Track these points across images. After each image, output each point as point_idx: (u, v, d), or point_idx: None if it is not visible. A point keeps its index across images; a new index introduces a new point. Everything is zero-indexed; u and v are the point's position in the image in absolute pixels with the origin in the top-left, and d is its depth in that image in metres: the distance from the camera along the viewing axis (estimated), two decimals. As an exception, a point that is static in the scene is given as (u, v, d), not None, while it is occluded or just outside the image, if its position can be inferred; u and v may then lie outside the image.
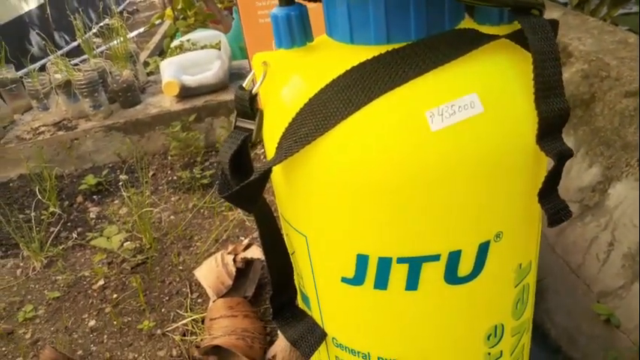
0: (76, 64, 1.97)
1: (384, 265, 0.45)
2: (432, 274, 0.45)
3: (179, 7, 2.80)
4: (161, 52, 2.93)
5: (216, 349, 0.95)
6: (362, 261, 0.45)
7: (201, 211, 1.47)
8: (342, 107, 0.40)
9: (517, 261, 0.48)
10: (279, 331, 0.95)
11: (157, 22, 3.11)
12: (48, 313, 1.21)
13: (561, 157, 0.40)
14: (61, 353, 1.00)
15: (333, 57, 0.44)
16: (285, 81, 0.46)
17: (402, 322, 0.49)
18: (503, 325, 0.51)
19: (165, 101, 1.87)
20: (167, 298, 1.17)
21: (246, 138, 0.46)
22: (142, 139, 1.82)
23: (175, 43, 2.23)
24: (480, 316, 0.49)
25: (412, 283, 0.45)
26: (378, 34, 0.42)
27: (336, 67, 0.42)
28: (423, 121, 0.39)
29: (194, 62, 1.87)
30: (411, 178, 0.40)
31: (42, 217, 1.55)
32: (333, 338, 0.56)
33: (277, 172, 0.47)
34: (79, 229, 1.50)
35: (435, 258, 0.44)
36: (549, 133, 0.40)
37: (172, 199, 1.56)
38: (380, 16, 0.41)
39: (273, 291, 0.54)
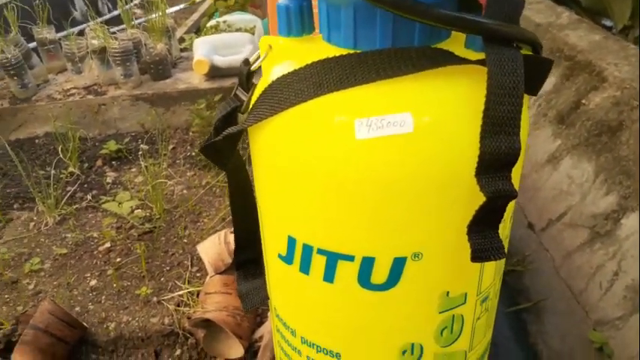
0: (114, 33, 2.00)
1: (307, 252, 0.47)
2: (347, 272, 0.46)
3: (222, -12, 2.83)
4: (198, 29, 2.96)
5: (206, 323, 0.96)
6: (291, 243, 0.48)
7: (213, 189, 1.50)
8: (292, 96, 0.43)
9: (443, 287, 0.47)
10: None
11: (198, 0, 3.14)
12: (53, 267, 1.25)
13: (496, 196, 0.38)
14: (59, 307, 1.02)
15: (312, 51, 0.46)
16: (274, 64, 0.48)
17: (319, 309, 0.51)
18: (422, 346, 0.51)
19: (195, 78, 1.90)
20: (168, 268, 1.20)
21: (237, 106, 0.50)
22: (166, 113, 1.85)
23: (211, 22, 2.25)
24: (393, 327, 0.50)
25: (329, 276, 0.47)
26: (347, 38, 0.44)
27: (310, 59, 0.44)
28: (351, 128, 0.40)
29: (227, 44, 1.89)
30: (334, 178, 0.42)
31: (61, 176, 1.59)
32: (274, 307, 0.59)
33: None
34: (94, 192, 1.53)
35: (350, 258, 0.45)
36: (490, 170, 0.38)
37: (188, 174, 1.59)
38: (349, 21, 0.43)
39: (235, 246, 0.59)
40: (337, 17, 0.44)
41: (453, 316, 0.50)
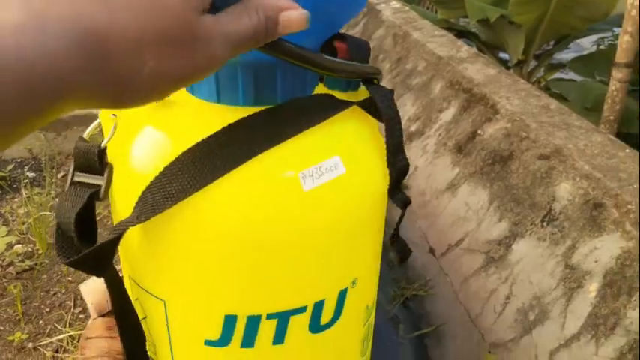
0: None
1: (253, 323, 0.45)
2: (299, 325, 0.47)
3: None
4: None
5: (85, 371, 0.88)
6: (230, 321, 0.45)
7: (105, 220, 1.40)
8: (220, 164, 0.40)
9: (366, 302, 0.52)
10: None
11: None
12: None
13: (405, 205, 0.46)
14: None
15: (197, 114, 0.45)
16: (141, 136, 0.44)
17: None
18: None
19: (90, 102, 1.80)
20: (48, 309, 1.09)
21: (92, 195, 0.40)
22: (58, 138, 1.73)
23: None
24: (335, 358, 0.53)
25: (279, 337, 0.47)
26: (246, 96, 0.44)
27: (204, 124, 0.42)
28: (296, 182, 0.42)
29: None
30: (283, 236, 0.43)
31: None
32: None
33: (131, 232, 0.42)
34: (-32, 225, 1.39)
35: (302, 310, 0.46)
36: (397, 185, 0.46)
37: (78, 204, 1.48)
38: (248, 80, 0.43)
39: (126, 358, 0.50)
40: (232, 77, 0.43)
41: (369, 325, 0.55)
